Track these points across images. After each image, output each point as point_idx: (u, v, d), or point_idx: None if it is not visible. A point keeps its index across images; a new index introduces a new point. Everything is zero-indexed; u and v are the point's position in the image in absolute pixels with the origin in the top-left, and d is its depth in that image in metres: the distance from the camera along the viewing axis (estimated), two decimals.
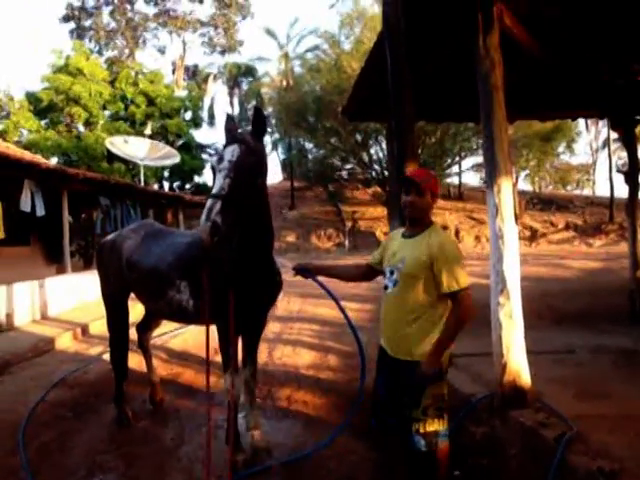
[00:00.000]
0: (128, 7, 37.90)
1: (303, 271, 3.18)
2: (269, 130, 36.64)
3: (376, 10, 25.45)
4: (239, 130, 3.15)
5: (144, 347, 4.73)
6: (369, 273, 3.05)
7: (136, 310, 4.72)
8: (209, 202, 2.70)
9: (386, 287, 2.71)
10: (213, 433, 3.91)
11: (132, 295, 4.27)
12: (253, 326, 3.64)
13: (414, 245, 2.63)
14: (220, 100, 43.16)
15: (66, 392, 5.15)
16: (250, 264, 3.21)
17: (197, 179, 29.59)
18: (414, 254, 2.59)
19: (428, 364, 2.53)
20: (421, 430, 2.60)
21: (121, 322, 4.38)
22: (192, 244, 3.62)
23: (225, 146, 2.95)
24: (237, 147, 2.88)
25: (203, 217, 2.67)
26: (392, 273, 2.67)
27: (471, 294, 2.53)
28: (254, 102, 37.23)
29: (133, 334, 4.65)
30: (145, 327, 4.75)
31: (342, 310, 3.22)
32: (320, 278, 3.17)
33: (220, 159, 2.87)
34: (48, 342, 7.25)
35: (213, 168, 2.93)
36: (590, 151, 40.30)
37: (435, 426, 2.61)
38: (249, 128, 3.11)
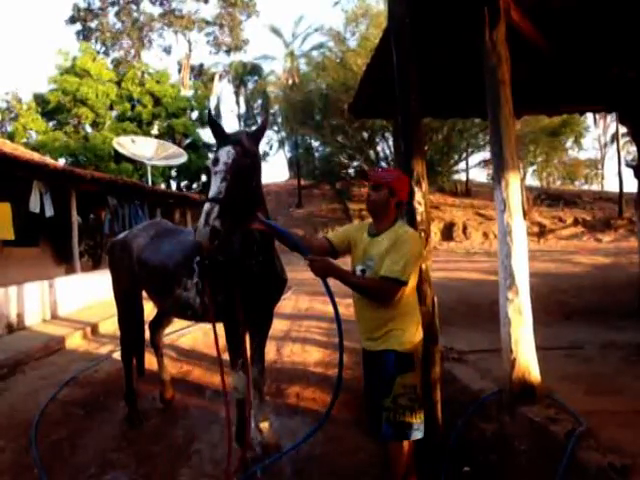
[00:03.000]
0: (133, 7, 38.04)
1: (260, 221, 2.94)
2: (275, 129, 36.73)
3: (381, 7, 25.40)
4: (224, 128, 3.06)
5: (156, 345, 4.75)
6: (328, 251, 2.90)
7: (147, 309, 4.74)
8: (207, 206, 2.67)
9: None
10: (224, 431, 3.94)
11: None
12: (259, 323, 3.65)
13: (379, 243, 2.67)
14: (226, 99, 43.33)
15: (77, 390, 5.20)
16: (251, 261, 3.22)
17: (204, 178, 29.65)
18: (380, 251, 2.63)
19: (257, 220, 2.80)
20: (391, 419, 2.60)
21: (132, 320, 4.41)
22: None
23: (219, 147, 2.90)
24: (232, 149, 2.83)
25: (202, 221, 2.64)
26: (364, 272, 2.71)
27: (400, 291, 2.53)
28: (260, 101, 37.32)
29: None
30: (157, 325, 4.77)
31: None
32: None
33: (216, 161, 2.82)
34: (58, 341, 7.31)
35: (208, 170, 2.93)
36: (598, 146, 40.09)
37: (408, 418, 2.60)
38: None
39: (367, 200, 2.79)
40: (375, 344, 2.70)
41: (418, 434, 2.64)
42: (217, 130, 2.97)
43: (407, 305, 2.67)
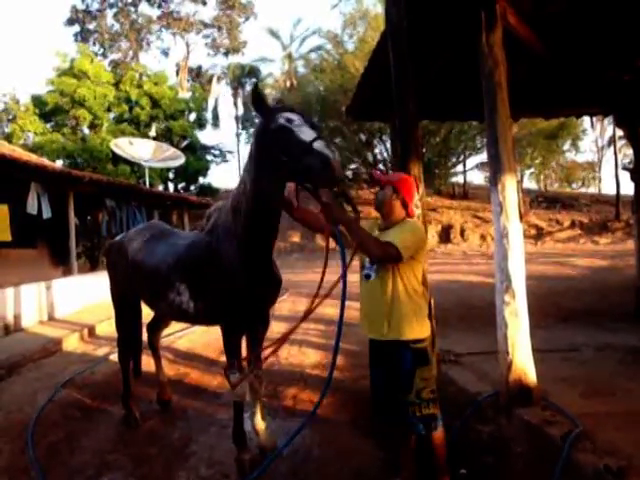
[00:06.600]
0: (132, 9, 38.03)
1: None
2: None
3: (379, 10, 25.47)
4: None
5: (154, 347, 4.74)
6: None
7: (144, 311, 4.74)
8: (322, 141, 2.67)
9: (368, 276, 2.85)
10: (221, 433, 3.94)
11: None
12: (256, 325, 3.65)
13: (387, 234, 2.79)
14: (224, 101, 43.31)
15: (74, 392, 5.18)
16: (252, 261, 3.21)
17: (202, 180, 29.60)
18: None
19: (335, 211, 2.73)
20: (417, 414, 2.72)
21: (130, 323, 4.40)
22: (192, 246, 3.62)
23: (278, 114, 2.86)
24: (293, 112, 2.88)
25: (328, 151, 2.62)
26: (374, 263, 2.83)
27: (394, 255, 2.63)
28: None
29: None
30: (155, 327, 4.76)
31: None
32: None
33: (290, 120, 2.79)
34: (55, 343, 7.28)
35: (282, 128, 2.79)
36: (596, 148, 40.12)
37: (433, 410, 2.75)
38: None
39: (375, 198, 2.95)
40: (384, 331, 2.77)
41: (440, 424, 2.80)
42: (264, 105, 2.96)
43: (415, 294, 2.77)
